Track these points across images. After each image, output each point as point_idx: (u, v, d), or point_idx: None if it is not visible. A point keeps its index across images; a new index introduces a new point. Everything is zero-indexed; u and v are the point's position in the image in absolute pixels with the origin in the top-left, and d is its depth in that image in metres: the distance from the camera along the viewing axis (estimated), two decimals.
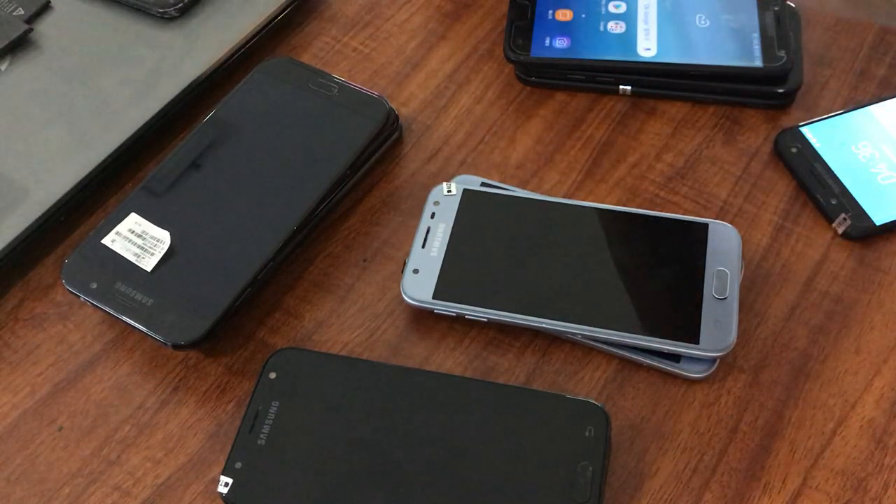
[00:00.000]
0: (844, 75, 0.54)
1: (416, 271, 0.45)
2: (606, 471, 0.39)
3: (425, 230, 0.46)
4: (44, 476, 0.42)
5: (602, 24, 0.54)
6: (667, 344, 0.42)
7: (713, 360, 0.43)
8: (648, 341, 0.42)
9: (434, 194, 0.48)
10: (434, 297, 0.44)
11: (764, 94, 0.52)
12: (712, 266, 0.44)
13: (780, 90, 0.52)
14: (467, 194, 0.47)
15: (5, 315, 0.47)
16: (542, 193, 0.49)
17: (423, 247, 0.46)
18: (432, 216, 0.47)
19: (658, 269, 0.44)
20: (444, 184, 0.48)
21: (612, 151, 0.52)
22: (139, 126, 0.51)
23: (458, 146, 0.52)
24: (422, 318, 0.46)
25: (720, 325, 0.42)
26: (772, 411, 0.43)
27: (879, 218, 0.47)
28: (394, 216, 0.50)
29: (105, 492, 0.42)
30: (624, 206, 0.48)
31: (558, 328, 0.43)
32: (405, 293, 0.44)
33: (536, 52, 0.53)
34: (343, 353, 0.45)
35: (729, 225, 0.45)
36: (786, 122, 0.52)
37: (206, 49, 0.54)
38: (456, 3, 0.59)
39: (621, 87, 0.53)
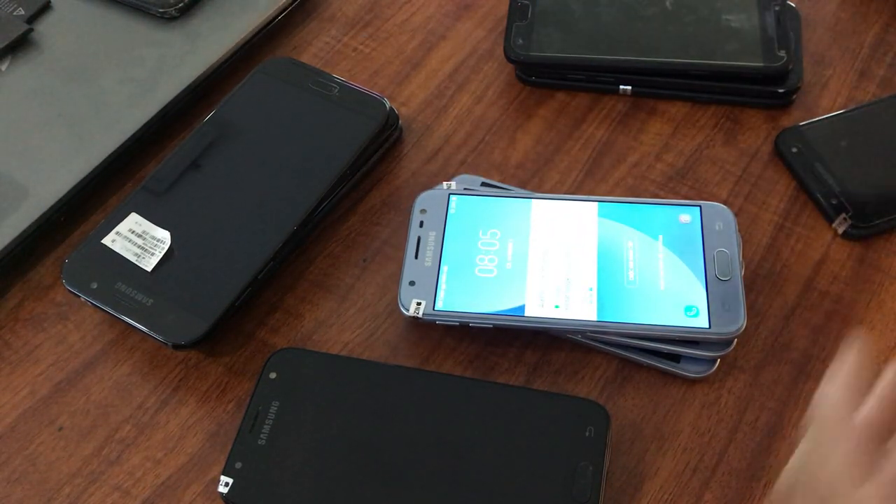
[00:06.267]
0: (844, 75, 0.54)
1: (412, 283, 0.44)
2: (606, 471, 0.39)
3: (416, 240, 0.46)
4: (44, 476, 0.42)
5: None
6: (678, 332, 0.42)
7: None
8: (661, 330, 0.42)
9: (419, 202, 0.47)
10: (435, 309, 0.43)
11: (764, 94, 0.52)
12: (712, 248, 0.44)
13: (780, 90, 0.52)
14: (453, 199, 0.47)
15: (5, 315, 0.47)
16: (543, 192, 0.49)
17: (416, 258, 0.45)
18: (420, 225, 0.46)
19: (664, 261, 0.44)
20: (445, 183, 0.48)
21: (613, 151, 0.52)
22: (139, 126, 0.51)
23: (458, 146, 0.52)
24: None
25: (728, 307, 0.42)
26: (772, 411, 0.43)
27: (879, 218, 0.47)
28: (394, 216, 0.50)
29: (105, 492, 0.42)
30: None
31: (561, 327, 0.43)
32: (403, 307, 0.43)
33: (536, 52, 0.53)
34: (343, 353, 0.45)
35: (721, 205, 0.45)
36: (786, 122, 0.52)
37: (206, 49, 0.54)
38: (456, 3, 0.59)
39: (621, 87, 0.53)
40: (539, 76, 0.54)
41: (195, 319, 0.43)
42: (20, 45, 0.54)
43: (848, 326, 0.45)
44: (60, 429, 0.43)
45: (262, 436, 0.40)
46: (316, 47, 0.57)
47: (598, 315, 0.42)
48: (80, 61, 0.53)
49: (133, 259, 0.45)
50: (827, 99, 0.53)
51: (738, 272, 0.43)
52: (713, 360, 0.43)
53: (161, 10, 0.54)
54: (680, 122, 0.53)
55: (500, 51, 0.56)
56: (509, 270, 0.44)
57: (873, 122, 0.51)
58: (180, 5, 0.54)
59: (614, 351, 0.44)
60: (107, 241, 0.46)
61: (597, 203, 0.46)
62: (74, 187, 0.49)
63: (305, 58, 0.56)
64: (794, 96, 0.53)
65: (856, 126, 0.51)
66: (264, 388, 0.42)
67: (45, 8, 0.56)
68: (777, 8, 0.53)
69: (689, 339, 0.42)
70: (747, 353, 0.44)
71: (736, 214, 0.46)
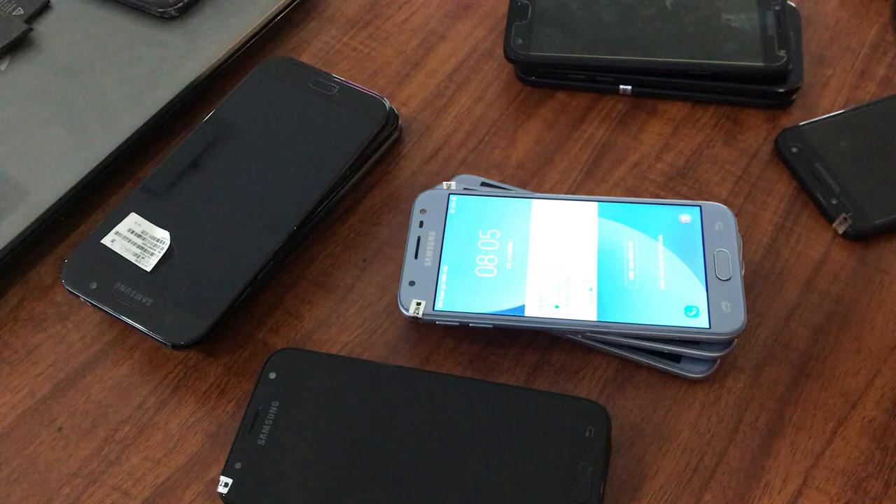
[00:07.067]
0: (844, 75, 0.54)
1: (412, 283, 0.44)
2: (606, 471, 0.39)
3: (416, 240, 0.46)
4: (43, 476, 0.42)
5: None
6: (678, 332, 0.42)
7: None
8: (661, 330, 0.42)
9: (419, 202, 0.47)
10: (435, 309, 0.43)
11: (764, 94, 0.52)
12: (712, 248, 0.44)
13: (781, 90, 0.52)
14: (453, 199, 0.47)
15: (5, 315, 0.47)
16: (543, 192, 0.49)
17: (416, 258, 0.45)
18: (420, 225, 0.46)
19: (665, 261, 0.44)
20: (444, 183, 0.48)
21: (613, 151, 0.52)
22: (139, 126, 0.51)
23: (458, 146, 0.52)
24: None
25: (728, 307, 0.42)
26: (772, 411, 0.43)
27: (879, 218, 0.47)
28: (394, 216, 0.50)
29: (105, 492, 0.42)
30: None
31: (561, 327, 0.43)
32: (403, 307, 0.43)
33: (536, 52, 0.53)
34: (343, 353, 0.45)
35: (721, 205, 0.45)
36: (786, 122, 0.52)
37: (206, 49, 0.54)
38: (456, 2, 0.59)
39: (621, 86, 0.53)
40: (539, 76, 0.54)
41: (195, 319, 0.43)
42: (19, 44, 0.54)
43: (848, 326, 0.45)
44: (60, 429, 0.43)
45: (261, 436, 0.40)
46: (316, 47, 0.57)
47: (598, 315, 0.42)
48: (79, 61, 0.53)
49: (132, 259, 0.45)
50: (827, 99, 0.53)
51: (739, 272, 0.43)
52: (713, 361, 0.43)
53: (160, 9, 0.54)
54: (680, 122, 0.53)
55: (500, 50, 0.56)
56: (509, 270, 0.44)
57: (873, 122, 0.51)
58: (180, 5, 0.54)
59: (614, 351, 0.44)
60: (106, 241, 0.46)
61: (597, 203, 0.46)
62: (74, 187, 0.48)
63: (305, 58, 0.56)
64: (794, 96, 0.53)
65: (856, 126, 0.51)
66: (264, 388, 0.42)
67: (45, 8, 0.56)
68: (777, 8, 0.53)
69: (690, 339, 0.42)
70: (747, 353, 0.44)
71: (736, 214, 0.46)
